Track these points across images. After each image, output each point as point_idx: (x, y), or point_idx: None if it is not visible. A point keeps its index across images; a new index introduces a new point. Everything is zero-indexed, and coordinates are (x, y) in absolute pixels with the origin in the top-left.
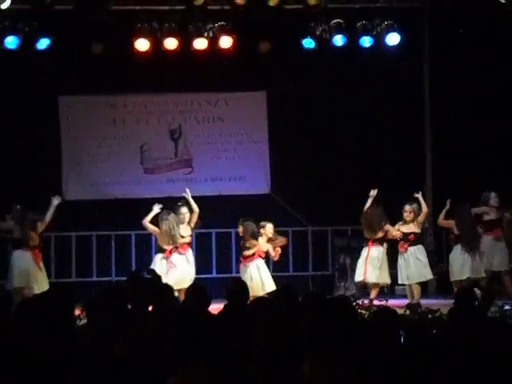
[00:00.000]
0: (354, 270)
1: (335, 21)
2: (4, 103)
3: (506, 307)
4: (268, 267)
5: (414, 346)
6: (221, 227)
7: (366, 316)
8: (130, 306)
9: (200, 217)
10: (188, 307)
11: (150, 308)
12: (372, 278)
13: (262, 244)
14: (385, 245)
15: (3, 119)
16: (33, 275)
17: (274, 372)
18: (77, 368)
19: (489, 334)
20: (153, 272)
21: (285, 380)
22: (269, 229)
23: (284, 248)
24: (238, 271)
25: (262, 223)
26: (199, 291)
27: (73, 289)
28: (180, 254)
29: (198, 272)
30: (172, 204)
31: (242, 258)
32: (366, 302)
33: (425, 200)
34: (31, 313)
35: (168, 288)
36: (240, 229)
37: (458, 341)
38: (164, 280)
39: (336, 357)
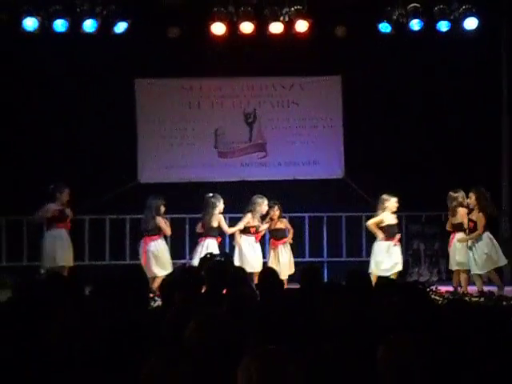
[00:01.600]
0: (427, 256)
1: (412, 5)
2: (82, 86)
3: None
4: (341, 253)
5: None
6: (295, 211)
7: (439, 302)
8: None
9: None
10: (262, 291)
11: (224, 291)
12: None
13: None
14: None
15: (81, 102)
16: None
17: (346, 358)
18: (150, 349)
19: None
20: (226, 255)
21: (359, 366)
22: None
23: (358, 233)
24: (311, 255)
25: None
26: (272, 275)
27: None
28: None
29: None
30: (245, 188)
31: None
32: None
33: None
34: (107, 293)
35: (242, 271)
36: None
37: None
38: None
39: (411, 343)
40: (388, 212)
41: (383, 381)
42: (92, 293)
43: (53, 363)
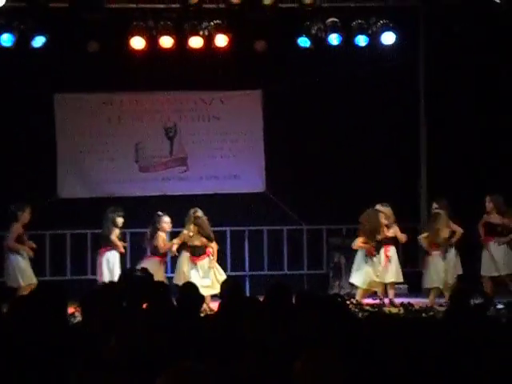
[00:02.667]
0: (348, 269)
1: (330, 20)
2: (0, 100)
3: (499, 306)
4: (263, 266)
5: (408, 347)
6: (216, 225)
7: (360, 315)
8: (124, 305)
9: None
10: (181, 306)
11: (144, 306)
12: None
13: None
14: None
15: None
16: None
17: (265, 372)
18: (71, 366)
19: (483, 334)
20: (145, 270)
21: (277, 380)
22: None
23: (279, 246)
24: (232, 269)
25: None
26: (192, 289)
27: (64, 286)
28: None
29: None
30: (167, 202)
31: None
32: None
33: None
34: (23, 311)
35: (162, 286)
36: None
37: (453, 341)
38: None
39: (329, 357)
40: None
41: None
42: (8, 311)
43: None
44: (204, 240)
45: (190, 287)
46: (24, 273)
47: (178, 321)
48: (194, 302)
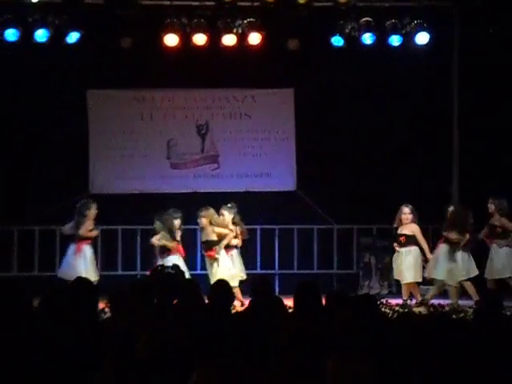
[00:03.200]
0: (378, 269)
1: (364, 19)
2: (33, 97)
3: None
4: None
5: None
6: (246, 223)
7: (389, 315)
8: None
9: None
10: (213, 303)
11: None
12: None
13: None
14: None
15: (32, 113)
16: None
17: (297, 372)
18: (100, 362)
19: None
20: (177, 267)
21: (308, 380)
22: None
23: (309, 246)
24: (262, 268)
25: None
26: (224, 288)
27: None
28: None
29: None
30: (197, 200)
31: None
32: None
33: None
34: (55, 306)
35: (193, 283)
36: None
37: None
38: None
39: (360, 358)
40: None
41: None
42: (40, 305)
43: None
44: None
45: (222, 285)
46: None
47: (209, 318)
48: (225, 300)
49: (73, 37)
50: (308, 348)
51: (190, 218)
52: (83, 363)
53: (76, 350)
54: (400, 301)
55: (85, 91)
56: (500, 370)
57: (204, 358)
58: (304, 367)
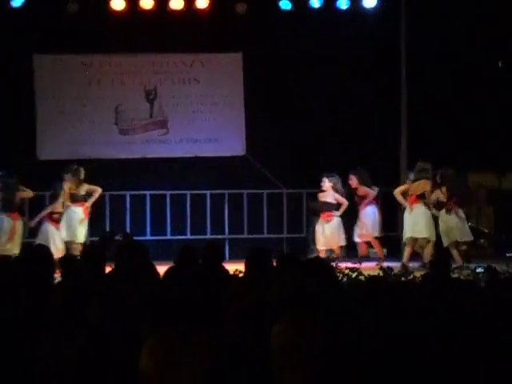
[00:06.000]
0: None
1: None
2: None
3: (479, 270)
4: (243, 229)
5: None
6: (196, 189)
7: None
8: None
9: None
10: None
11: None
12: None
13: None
14: None
15: None
16: None
17: (247, 336)
18: (48, 328)
19: (461, 297)
20: (125, 234)
21: (258, 344)
22: None
23: (259, 210)
24: (212, 233)
25: None
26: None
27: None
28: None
29: (171, 234)
30: (146, 165)
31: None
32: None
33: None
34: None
35: (143, 248)
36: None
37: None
38: None
39: (309, 320)
40: None
41: (275, 358)
42: None
43: None
44: None
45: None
46: None
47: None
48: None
49: (17, 1)
50: (259, 312)
51: (140, 184)
52: (26, 330)
53: (24, 316)
54: (349, 264)
55: (31, 56)
56: (444, 333)
57: (157, 325)
58: (255, 332)
